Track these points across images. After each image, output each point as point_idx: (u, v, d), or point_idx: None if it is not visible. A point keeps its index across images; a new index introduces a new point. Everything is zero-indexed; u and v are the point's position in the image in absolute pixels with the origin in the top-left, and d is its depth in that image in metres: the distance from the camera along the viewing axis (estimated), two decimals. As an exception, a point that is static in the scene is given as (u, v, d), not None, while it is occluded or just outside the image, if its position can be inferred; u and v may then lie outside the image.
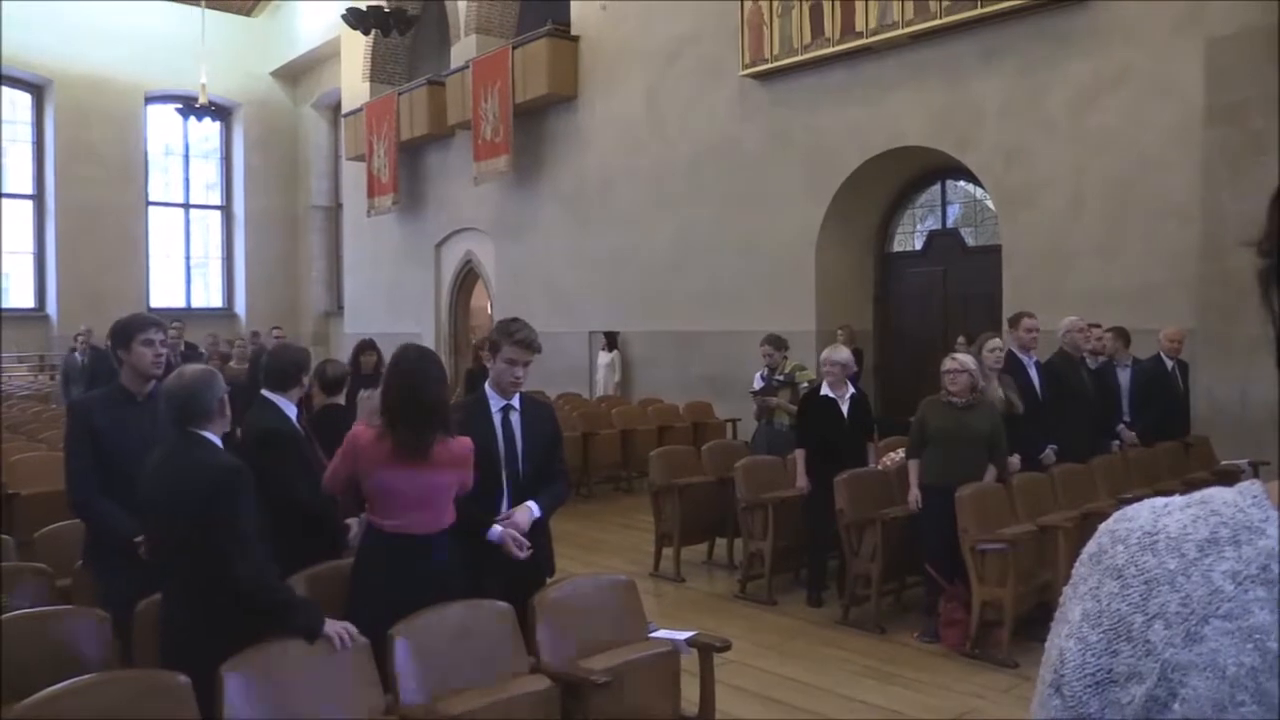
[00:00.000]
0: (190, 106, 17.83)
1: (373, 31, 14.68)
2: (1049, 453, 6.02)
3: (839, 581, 5.89)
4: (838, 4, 10.06)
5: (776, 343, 7.68)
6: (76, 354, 11.43)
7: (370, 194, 17.73)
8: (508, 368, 3.55)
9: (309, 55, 21.37)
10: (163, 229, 22.17)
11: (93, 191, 20.17)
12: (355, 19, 14.10)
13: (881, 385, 10.76)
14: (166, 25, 20.47)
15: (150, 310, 17.74)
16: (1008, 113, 9.11)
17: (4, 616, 2.91)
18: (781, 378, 7.61)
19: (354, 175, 19.00)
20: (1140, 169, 8.17)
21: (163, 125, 21.72)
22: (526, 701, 3.01)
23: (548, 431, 3.74)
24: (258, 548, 2.83)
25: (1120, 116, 8.32)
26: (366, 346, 7.70)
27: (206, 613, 2.81)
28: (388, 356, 3.73)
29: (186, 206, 22.73)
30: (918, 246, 11.05)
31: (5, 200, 19.92)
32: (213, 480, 2.82)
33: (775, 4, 10.71)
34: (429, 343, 15.60)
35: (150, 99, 21.23)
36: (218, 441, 2.99)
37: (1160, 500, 0.70)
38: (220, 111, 21.10)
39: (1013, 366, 6.05)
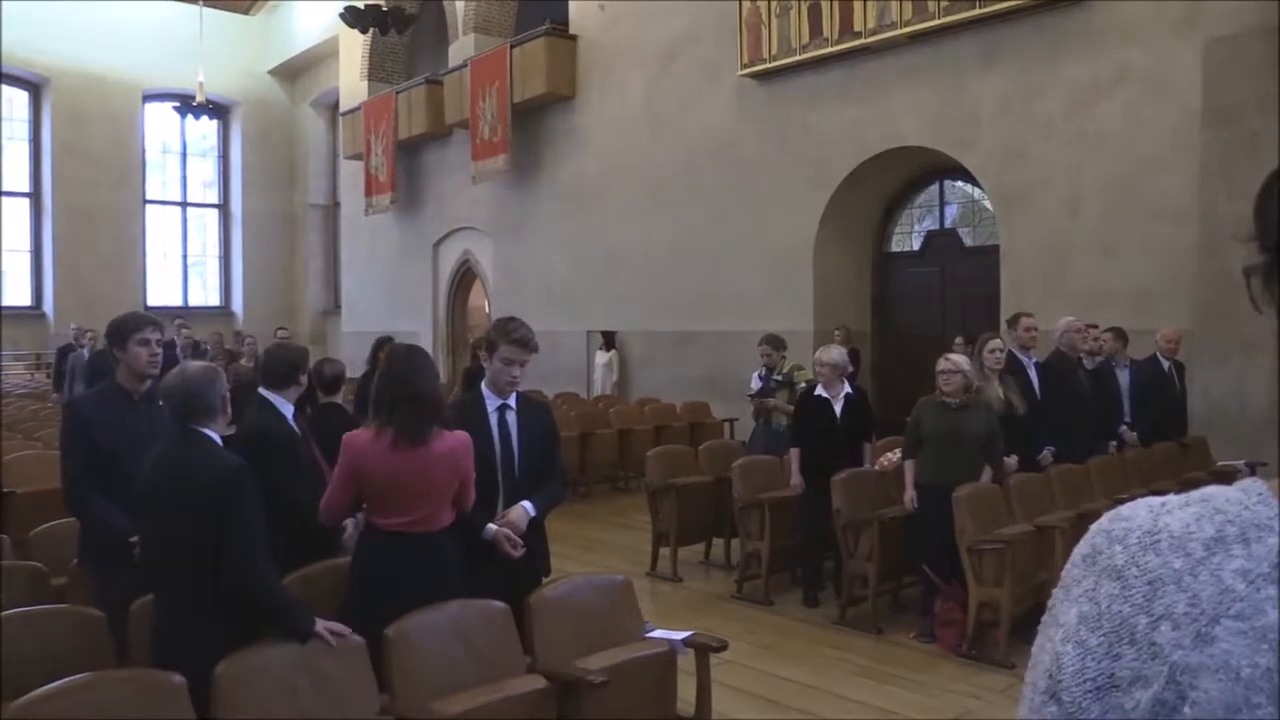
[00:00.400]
0: (188, 105, 17.77)
1: (371, 30, 14.66)
2: (1046, 454, 6.01)
3: (836, 582, 5.89)
4: (836, 4, 10.05)
5: (775, 343, 7.68)
6: (84, 350, 11.35)
7: (368, 193, 17.71)
8: (504, 367, 3.54)
9: (307, 54, 21.34)
10: (160, 227, 22.12)
11: (90, 190, 20.14)
12: (353, 18, 14.07)
13: (879, 385, 10.75)
14: (164, 23, 20.42)
15: (147, 309, 17.75)
16: (1006, 113, 9.11)
17: (1, 615, 2.90)
18: (779, 378, 7.61)
19: (352, 174, 18.98)
20: (1138, 169, 8.17)
21: (160, 124, 21.68)
22: (523, 701, 3.00)
23: (544, 431, 3.74)
24: (260, 547, 2.82)
25: (1118, 117, 8.33)
26: (385, 342, 7.80)
27: (201, 612, 2.80)
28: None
29: (184, 205, 22.67)
30: (916, 246, 11.05)
31: (2, 198, 19.87)
32: (217, 478, 2.81)
33: (774, 4, 10.71)
34: (426, 341, 15.63)
35: (148, 97, 21.19)
36: (219, 440, 2.99)
37: (1156, 499, 0.67)
38: (218, 110, 21.05)
39: (1013, 367, 6.03)
